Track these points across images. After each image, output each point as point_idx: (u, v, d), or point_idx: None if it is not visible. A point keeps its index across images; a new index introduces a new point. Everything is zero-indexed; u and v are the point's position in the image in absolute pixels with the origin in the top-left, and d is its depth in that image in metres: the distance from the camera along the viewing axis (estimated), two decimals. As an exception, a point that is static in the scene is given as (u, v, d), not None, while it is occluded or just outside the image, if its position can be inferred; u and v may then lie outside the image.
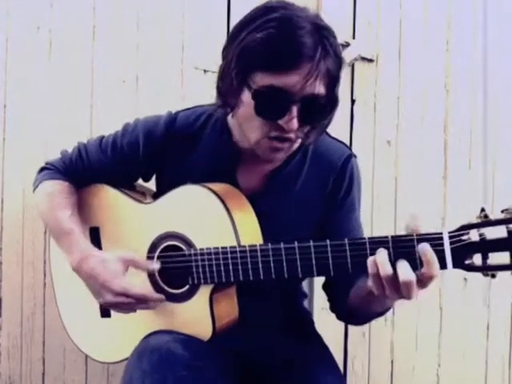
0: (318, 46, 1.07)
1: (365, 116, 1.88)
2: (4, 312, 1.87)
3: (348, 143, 1.86)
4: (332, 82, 1.12)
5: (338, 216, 1.30)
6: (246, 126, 1.18)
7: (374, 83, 1.88)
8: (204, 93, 1.81)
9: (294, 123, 1.10)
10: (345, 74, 1.88)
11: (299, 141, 1.20)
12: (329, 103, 1.14)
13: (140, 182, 1.52)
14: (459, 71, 1.89)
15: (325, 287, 1.38)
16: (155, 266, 1.26)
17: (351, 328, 1.90)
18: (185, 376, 1.10)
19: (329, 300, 1.37)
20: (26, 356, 1.88)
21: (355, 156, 1.32)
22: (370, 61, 1.87)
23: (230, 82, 1.13)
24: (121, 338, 1.34)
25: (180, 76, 1.87)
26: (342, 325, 1.90)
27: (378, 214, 1.85)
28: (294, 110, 1.09)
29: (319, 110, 1.13)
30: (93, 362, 1.84)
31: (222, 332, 1.23)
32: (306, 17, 1.10)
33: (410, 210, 1.86)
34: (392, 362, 1.91)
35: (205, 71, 1.86)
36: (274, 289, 1.38)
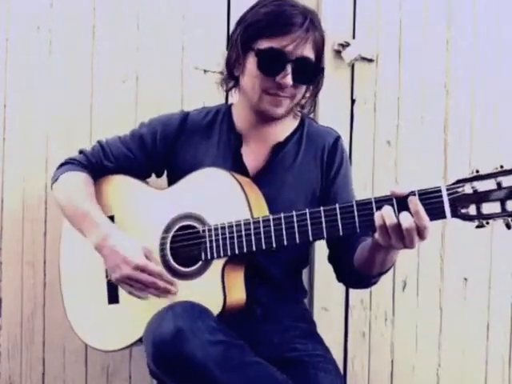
0: (306, 19, 1.34)
1: (365, 116, 1.88)
2: (4, 312, 1.86)
3: (348, 143, 1.86)
4: (318, 53, 1.38)
5: (336, 187, 1.46)
6: (249, 87, 1.38)
7: (374, 83, 1.88)
8: (204, 93, 1.82)
9: (288, 79, 1.32)
10: (345, 74, 1.88)
11: (296, 99, 1.39)
12: (317, 67, 1.39)
13: (152, 178, 1.56)
14: (459, 71, 1.89)
15: (330, 259, 1.49)
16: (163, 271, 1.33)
17: (351, 328, 1.90)
18: (214, 326, 1.19)
19: (335, 271, 1.47)
20: (26, 356, 1.87)
21: (342, 139, 1.52)
22: (370, 61, 1.87)
23: (237, 52, 1.38)
24: (129, 322, 1.38)
25: (180, 76, 1.87)
26: (341, 324, 1.90)
27: (378, 213, 1.85)
28: (289, 67, 1.32)
29: (309, 70, 1.36)
30: (93, 362, 1.86)
31: (229, 313, 1.28)
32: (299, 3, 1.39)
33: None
34: (392, 361, 1.91)
35: (205, 71, 1.86)
36: (280, 279, 1.44)
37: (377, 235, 1.15)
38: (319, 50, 1.38)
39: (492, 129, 1.90)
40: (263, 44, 1.33)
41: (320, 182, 1.46)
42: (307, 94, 1.43)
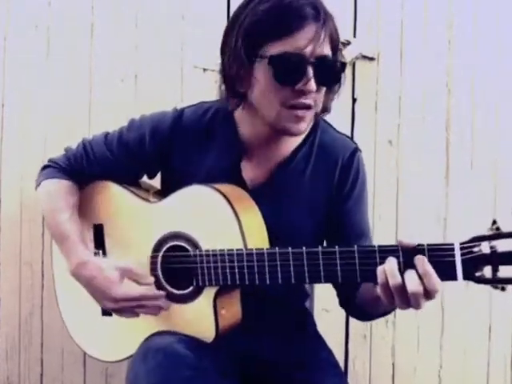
0: (320, 9, 1.14)
1: (366, 115, 1.87)
2: (2, 313, 1.86)
3: (349, 143, 1.85)
4: (335, 46, 1.18)
5: (346, 208, 1.30)
6: (263, 102, 1.18)
7: (375, 82, 1.87)
8: (203, 91, 1.81)
9: (312, 84, 1.12)
10: (346, 73, 1.86)
11: (318, 107, 1.21)
12: (339, 65, 1.19)
13: (144, 178, 1.51)
14: (460, 70, 1.88)
15: (334, 284, 1.36)
16: (150, 280, 1.25)
17: (352, 329, 1.89)
18: (189, 376, 1.11)
19: (337, 296, 1.36)
20: (24, 357, 1.87)
21: (360, 150, 1.34)
22: (371, 59, 1.86)
23: (240, 63, 1.16)
24: (122, 336, 1.34)
25: (179, 75, 1.86)
26: (342, 326, 1.89)
27: (379, 213, 1.84)
28: (310, 71, 1.12)
29: (332, 70, 1.18)
30: (91, 363, 1.85)
31: (224, 334, 1.23)
32: None
33: (411, 213, 1.85)
34: (393, 363, 1.90)
35: (204, 70, 1.85)
36: (278, 290, 1.35)
37: (379, 291, 1.02)
38: (335, 43, 1.19)
39: (493, 128, 1.88)
40: (274, 48, 1.12)
41: (330, 202, 1.30)
42: (328, 96, 1.24)
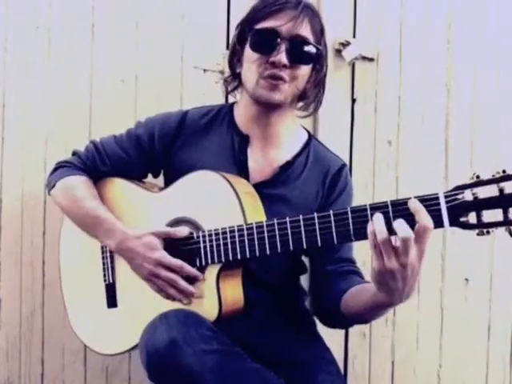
0: (300, 3, 1.33)
1: (365, 115, 1.87)
2: (3, 313, 1.86)
3: (348, 143, 1.86)
4: (317, 39, 1.34)
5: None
6: (247, 75, 1.36)
7: (374, 82, 1.87)
8: (203, 92, 1.82)
9: (283, 57, 1.29)
10: (345, 74, 1.87)
11: (293, 85, 1.34)
12: (314, 48, 1.33)
13: (149, 178, 1.55)
14: (460, 70, 1.88)
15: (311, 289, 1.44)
16: (185, 231, 1.29)
17: (351, 329, 1.88)
18: (208, 335, 1.16)
19: (312, 301, 1.43)
20: (25, 357, 1.87)
21: (347, 166, 1.48)
22: (371, 60, 1.86)
23: (236, 46, 1.39)
24: (128, 327, 1.37)
25: (179, 75, 1.86)
26: (342, 325, 1.89)
27: (378, 213, 1.84)
28: (283, 46, 1.30)
29: (305, 49, 1.32)
30: (92, 363, 1.86)
31: (227, 318, 1.26)
32: None
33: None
34: (393, 362, 1.91)
35: (204, 70, 1.85)
36: (277, 284, 1.42)
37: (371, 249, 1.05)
38: (318, 36, 1.35)
39: (493, 128, 1.89)
40: (259, 26, 1.33)
41: (318, 206, 1.41)
42: (309, 81, 1.38)
